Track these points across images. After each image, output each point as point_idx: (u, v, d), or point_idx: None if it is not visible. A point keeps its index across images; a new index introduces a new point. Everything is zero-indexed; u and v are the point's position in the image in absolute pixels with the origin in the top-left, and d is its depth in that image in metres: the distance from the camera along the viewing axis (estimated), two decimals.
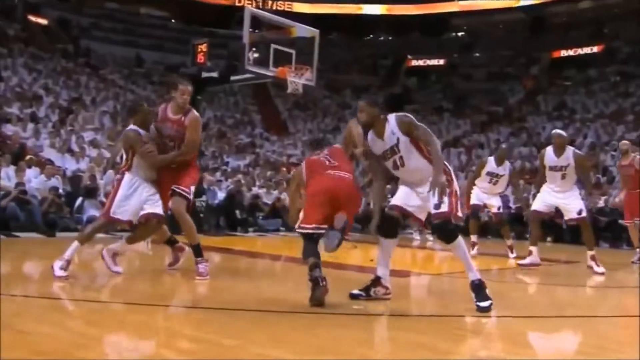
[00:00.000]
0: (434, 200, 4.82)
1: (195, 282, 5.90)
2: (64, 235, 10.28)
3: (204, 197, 12.71)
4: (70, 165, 14.11)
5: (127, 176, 6.09)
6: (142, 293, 5.33)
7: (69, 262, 5.72)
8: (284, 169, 19.75)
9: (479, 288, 4.88)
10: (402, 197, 5.14)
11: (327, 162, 5.22)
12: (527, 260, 8.34)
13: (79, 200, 12.06)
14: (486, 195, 9.60)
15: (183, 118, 6.09)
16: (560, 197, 8.18)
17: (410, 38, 35.29)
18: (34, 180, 12.09)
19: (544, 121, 24.62)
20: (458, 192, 4.94)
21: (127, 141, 6.08)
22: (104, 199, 12.48)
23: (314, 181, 5.13)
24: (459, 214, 4.90)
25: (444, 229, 4.83)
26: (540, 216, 8.42)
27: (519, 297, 6.06)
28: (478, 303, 4.84)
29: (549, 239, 14.04)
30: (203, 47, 11.87)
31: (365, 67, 34.77)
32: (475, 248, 9.56)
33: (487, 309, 4.79)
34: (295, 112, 28.56)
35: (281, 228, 14.32)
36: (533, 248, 8.35)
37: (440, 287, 6.61)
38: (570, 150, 8.19)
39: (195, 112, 6.16)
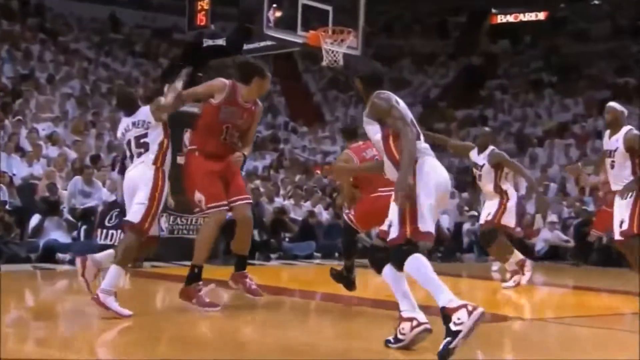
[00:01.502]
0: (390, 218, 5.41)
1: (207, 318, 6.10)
2: (10, 268, 10.45)
3: None
4: (19, 169, 14.36)
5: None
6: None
7: (115, 292, 6.40)
8: (318, 171, 19.87)
9: (444, 320, 5.15)
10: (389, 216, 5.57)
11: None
12: None
13: (34, 219, 12.37)
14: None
15: (254, 108, 7.29)
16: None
17: None
18: None
19: None
20: (422, 205, 5.35)
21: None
22: (69, 217, 12.83)
23: (381, 181, 5.69)
24: (422, 228, 5.31)
25: (395, 258, 5.34)
26: None
27: None
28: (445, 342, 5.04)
29: None
30: (204, 4, 12.03)
31: (431, 28, 34.72)
32: None
33: (445, 354, 4.99)
34: (333, 93, 28.67)
35: (315, 254, 14.47)
36: None
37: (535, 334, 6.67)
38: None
39: (259, 102, 7.36)
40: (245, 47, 12.29)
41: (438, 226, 15.60)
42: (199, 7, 12.10)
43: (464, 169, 21.82)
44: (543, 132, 24.88)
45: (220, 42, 12.59)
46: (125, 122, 7.20)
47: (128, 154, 7.16)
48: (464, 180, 19.90)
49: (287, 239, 14.88)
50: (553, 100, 27.20)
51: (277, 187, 17.04)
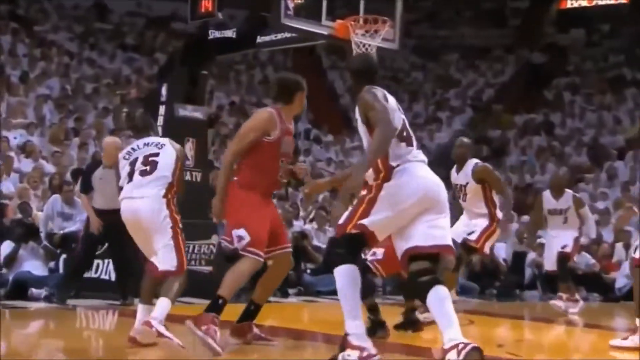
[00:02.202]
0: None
1: None
2: None
3: (213, 239, 12.98)
4: None
5: None
6: None
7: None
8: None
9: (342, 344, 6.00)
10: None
11: None
12: None
13: (6, 246, 12.44)
14: None
15: (292, 126, 7.75)
16: None
17: None
18: None
19: None
20: (378, 212, 6.08)
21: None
22: (46, 243, 12.89)
23: None
24: (364, 222, 6.06)
25: (329, 260, 5.87)
26: None
27: None
28: None
29: None
30: None
31: (484, 15, 34.68)
32: None
33: None
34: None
35: None
36: None
37: None
38: None
39: None
40: (259, 39, 12.36)
41: (492, 257, 15.65)
42: None
43: (526, 187, 21.78)
44: (625, 141, 24.66)
45: (229, 33, 12.69)
46: (135, 143, 7.92)
47: (126, 171, 7.66)
48: (524, 201, 19.82)
49: (308, 271, 14.92)
50: (637, 102, 27.01)
51: (297, 209, 17.11)
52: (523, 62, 30.52)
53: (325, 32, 11.54)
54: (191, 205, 10.26)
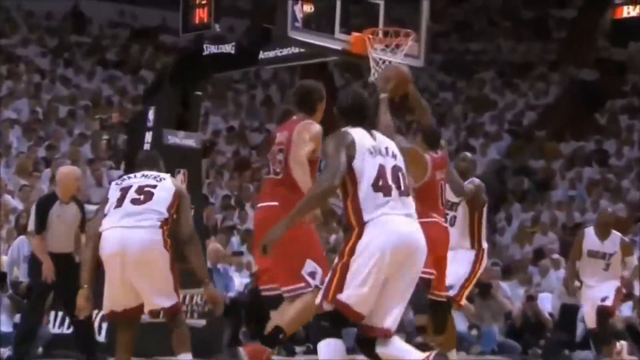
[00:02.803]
0: None
1: None
2: None
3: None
4: None
5: None
6: None
7: None
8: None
9: None
10: None
11: None
12: None
13: None
14: None
15: None
16: None
17: None
18: None
19: None
20: (354, 273, 6.26)
21: None
22: (12, 292, 12.88)
23: None
24: (343, 298, 6.22)
25: (312, 334, 6.07)
26: None
27: None
28: None
29: None
30: None
31: (525, 26, 34.66)
32: None
33: None
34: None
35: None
36: None
37: None
38: None
39: None
40: (262, 55, 12.35)
41: (536, 310, 15.60)
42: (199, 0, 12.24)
43: (574, 227, 21.69)
44: None
45: (228, 48, 12.72)
46: (132, 174, 8.10)
47: (115, 197, 7.74)
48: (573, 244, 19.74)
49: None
50: None
51: None
52: (571, 81, 30.39)
53: (338, 47, 11.46)
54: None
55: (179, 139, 13.04)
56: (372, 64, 11.25)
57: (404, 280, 6.35)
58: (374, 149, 6.46)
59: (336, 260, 6.37)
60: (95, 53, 26.48)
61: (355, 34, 11.43)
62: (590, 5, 33.06)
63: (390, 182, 6.39)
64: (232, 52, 12.67)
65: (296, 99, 8.11)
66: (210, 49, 12.80)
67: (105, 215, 7.70)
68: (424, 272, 7.79)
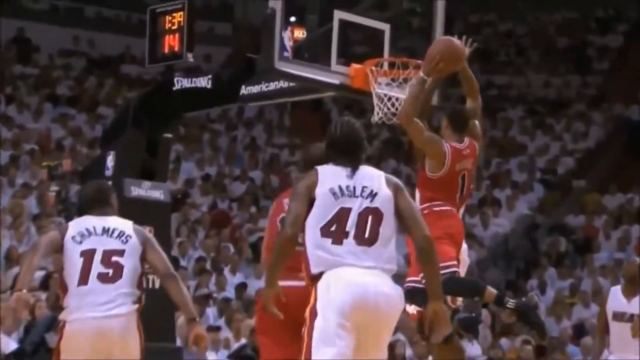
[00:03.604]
0: None
1: None
2: None
3: None
4: None
5: None
6: None
7: None
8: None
9: None
10: None
11: None
12: None
13: None
14: None
15: None
16: None
17: None
18: None
19: None
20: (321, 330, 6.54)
21: None
22: None
23: None
24: None
25: None
26: None
27: None
28: None
29: None
30: (176, 18, 12.30)
31: (561, 56, 34.62)
32: None
33: None
34: (390, 163, 28.79)
35: None
36: None
37: None
38: None
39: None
40: (244, 90, 12.37)
41: None
42: (168, 24, 12.29)
43: None
44: None
45: (203, 82, 12.79)
46: (89, 221, 7.91)
47: (78, 266, 7.61)
48: None
49: None
50: None
51: None
52: (615, 120, 30.63)
53: (335, 81, 11.41)
54: (152, 322, 10.23)
55: (143, 190, 13.07)
56: (375, 101, 11.05)
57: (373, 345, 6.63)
58: (341, 190, 6.64)
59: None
60: (43, 87, 26.57)
61: (355, 65, 11.32)
62: (638, 31, 33.22)
63: (349, 228, 6.56)
64: (209, 86, 12.74)
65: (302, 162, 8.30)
66: (182, 82, 12.89)
67: (66, 287, 7.63)
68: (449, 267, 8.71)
